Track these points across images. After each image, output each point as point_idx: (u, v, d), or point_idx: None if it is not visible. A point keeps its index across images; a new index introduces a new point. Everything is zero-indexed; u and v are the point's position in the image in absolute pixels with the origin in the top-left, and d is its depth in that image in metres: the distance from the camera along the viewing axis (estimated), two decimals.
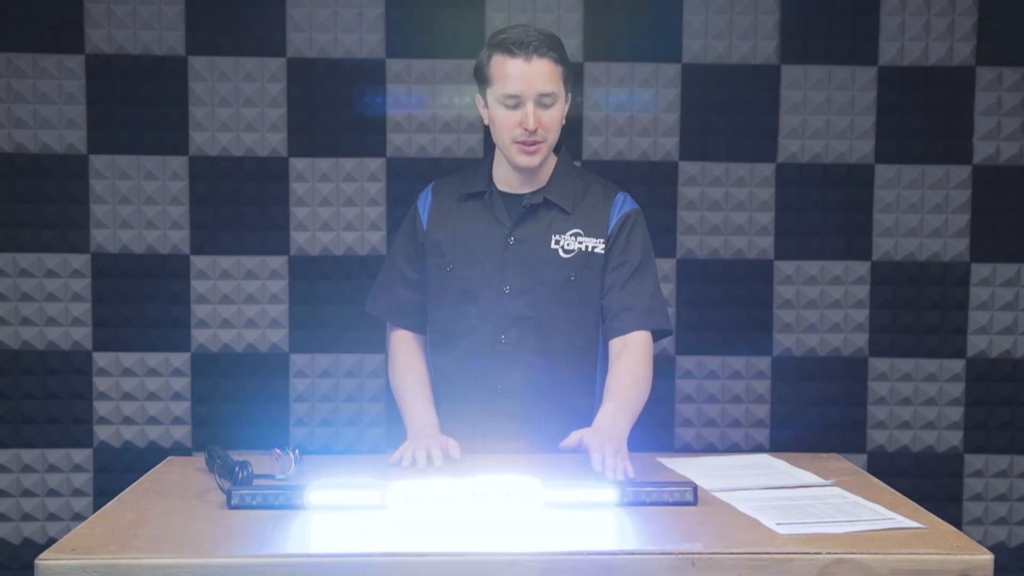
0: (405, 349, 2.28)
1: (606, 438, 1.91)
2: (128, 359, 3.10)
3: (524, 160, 2.10)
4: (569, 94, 2.16)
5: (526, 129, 2.06)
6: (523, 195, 2.17)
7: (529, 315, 2.15)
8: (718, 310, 3.14)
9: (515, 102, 2.07)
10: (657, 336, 2.20)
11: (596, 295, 2.17)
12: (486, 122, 2.16)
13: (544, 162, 2.17)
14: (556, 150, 2.22)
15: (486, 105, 2.14)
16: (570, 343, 2.17)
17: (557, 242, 2.15)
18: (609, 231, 2.16)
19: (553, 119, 2.10)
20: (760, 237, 3.13)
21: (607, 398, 2.06)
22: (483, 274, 2.16)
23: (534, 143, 2.08)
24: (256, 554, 1.48)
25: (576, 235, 2.16)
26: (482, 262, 2.17)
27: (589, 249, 2.16)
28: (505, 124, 2.09)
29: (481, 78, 2.14)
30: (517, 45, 2.06)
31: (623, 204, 2.19)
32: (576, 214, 2.17)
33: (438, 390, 2.25)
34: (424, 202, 2.26)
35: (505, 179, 2.19)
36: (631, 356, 2.12)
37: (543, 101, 2.07)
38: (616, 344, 2.15)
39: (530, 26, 2.16)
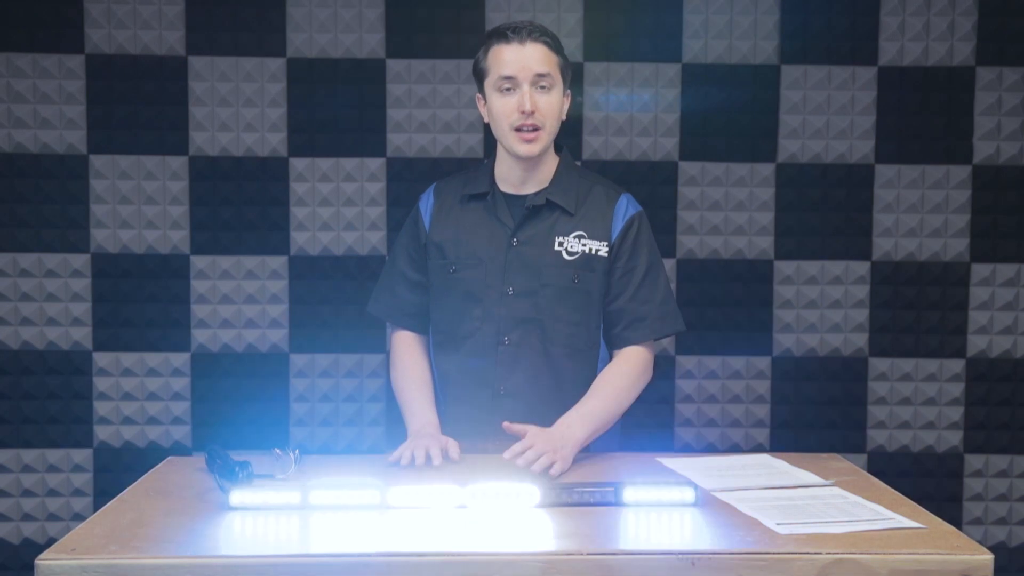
0: (407, 350, 2.28)
1: (547, 440, 1.95)
2: (128, 359, 3.10)
3: (523, 148, 2.10)
4: (568, 91, 2.16)
5: (523, 112, 2.07)
6: (525, 196, 2.17)
7: (532, 316, 2.15)
8: (718, 310, 3.14)
9: (511, 84, 2.08)
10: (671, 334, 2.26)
11: (598, 297, 2.17)
12: (486, 119, 2.17)
13: (545, 157, 2.17)
14: (558, 151, 2.22)
15: (485, 101, 2.15)
16: (572, 345, 2.17)
17: (560, 244, 2.15)
18: (613, 236, 2.17)
19: (551, 105, 2.10)
20: (760, 237, 3.13)
21: (581, 401, 2.10)
22: (486, 275, 2.16)
23: (533, 129, 2.08)
24: (256, 554, 1.48)
25: (580, 237, 2.16)
26: (485, 263, 2.16)
27: (592, 251, 2.16)
28: (502, 110, 2.09)
29: (479, 73, 2.15)
30: (512, 30, 2.09)
31: (627, 208, 2.19)
32: (579, 216, 2.17)
33: (441, 391, 2.25)
34: (426, 204, 2.26)
35: (507, 179, 2.19)
36: (625, 363, 2.16)
37: (540, 83, 2.08)
38: (617, 353, 2.19)
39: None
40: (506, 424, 2.02)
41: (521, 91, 2.07)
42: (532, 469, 1.88)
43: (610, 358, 2.21)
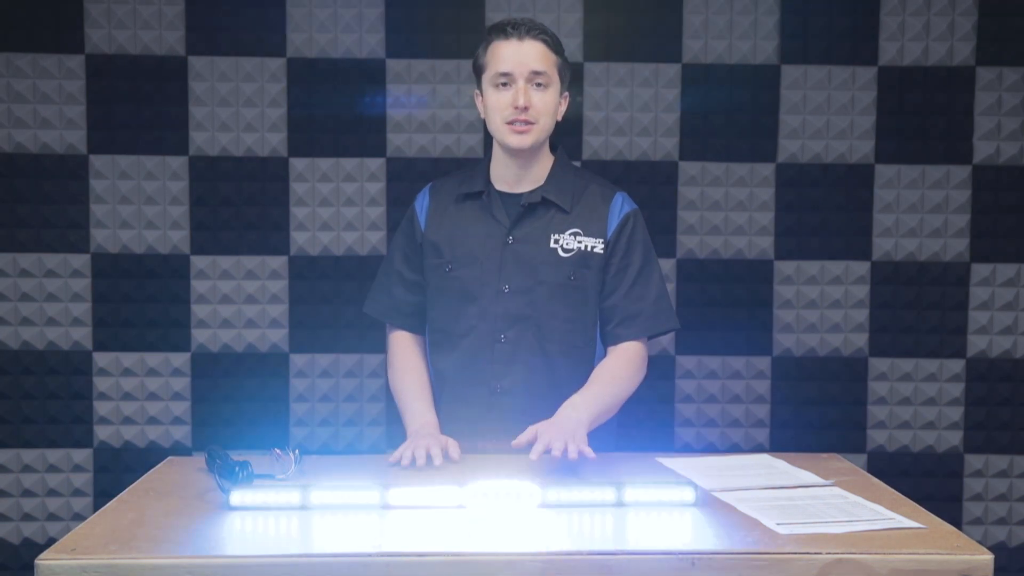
0: (404, 350, 2.28)
1: (556, 429, 1.92)
2: (128, 359, 3.10)
3: (515, 140, 2.10)
4: (566, 91, 2.17)
5: (516, 107, 2.08)
6: (521, 194, 2.18)
7: (528, 314, 2.16)
8: (718, 310, 3.14)
9: (506, 80, 2.09)
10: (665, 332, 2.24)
11: (594, 294, 2.17)
12: (483, 115, 2.17)
13: (540, 156, 2.17)
14: (553, 149, 2.22)
15: (483, 97, 2.15)
16: (568, 342, 2.17)
17: (556, 241, 2.16)
18: (609, 234, 2.17)
19: (545, 102, 2.11)
20: (760, 237, 3.13)
21: (581, 389, 2.08)
22: (482, 274, 2.17)
23: (525, 123, 2.09)
24: (256, 554, 1.48)
25: (575, 235, 2.16)
26: (481, 262, 2.17)
27: (588, 249, 2.16)
28: (497, 105, 2.11)
29: (478, 68, 2.16)
30: (511, 26, 2.11)
31: (622, 205, 2.20)
32: (574, 213, 2.17)
33: (438, 390, 2.25)
34: (421, 203, 2.26)
35: (503, 177, 2.20)
36: (621, 356, 2.16)
37: (536, 81, 2.09)
38: (612, 349, 2.18)
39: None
40: (514, 443, 1.95)
41: (516, 87, 2.08)
42: (552, 454, 1.85)
43: (605, 355, 2.20)
